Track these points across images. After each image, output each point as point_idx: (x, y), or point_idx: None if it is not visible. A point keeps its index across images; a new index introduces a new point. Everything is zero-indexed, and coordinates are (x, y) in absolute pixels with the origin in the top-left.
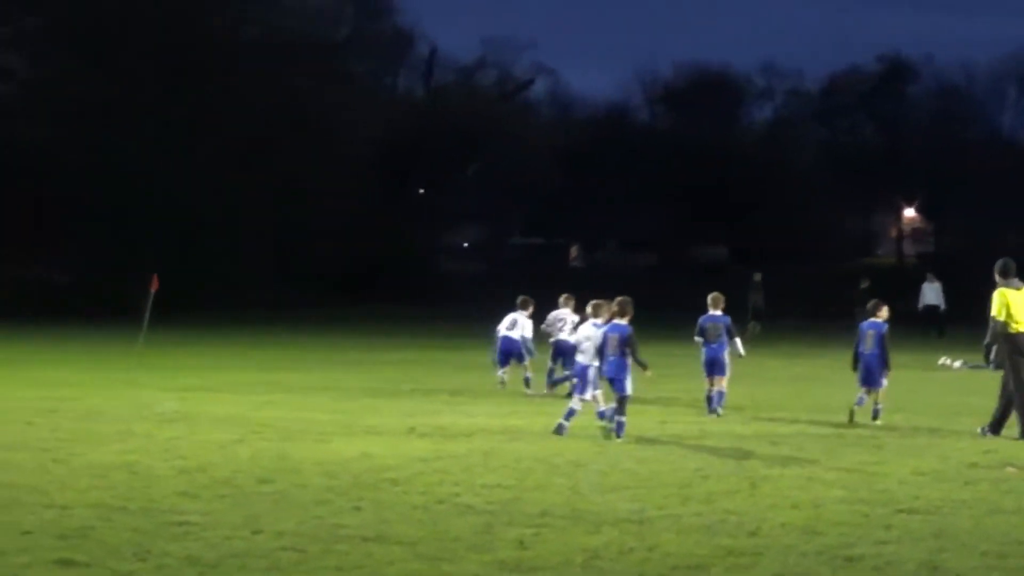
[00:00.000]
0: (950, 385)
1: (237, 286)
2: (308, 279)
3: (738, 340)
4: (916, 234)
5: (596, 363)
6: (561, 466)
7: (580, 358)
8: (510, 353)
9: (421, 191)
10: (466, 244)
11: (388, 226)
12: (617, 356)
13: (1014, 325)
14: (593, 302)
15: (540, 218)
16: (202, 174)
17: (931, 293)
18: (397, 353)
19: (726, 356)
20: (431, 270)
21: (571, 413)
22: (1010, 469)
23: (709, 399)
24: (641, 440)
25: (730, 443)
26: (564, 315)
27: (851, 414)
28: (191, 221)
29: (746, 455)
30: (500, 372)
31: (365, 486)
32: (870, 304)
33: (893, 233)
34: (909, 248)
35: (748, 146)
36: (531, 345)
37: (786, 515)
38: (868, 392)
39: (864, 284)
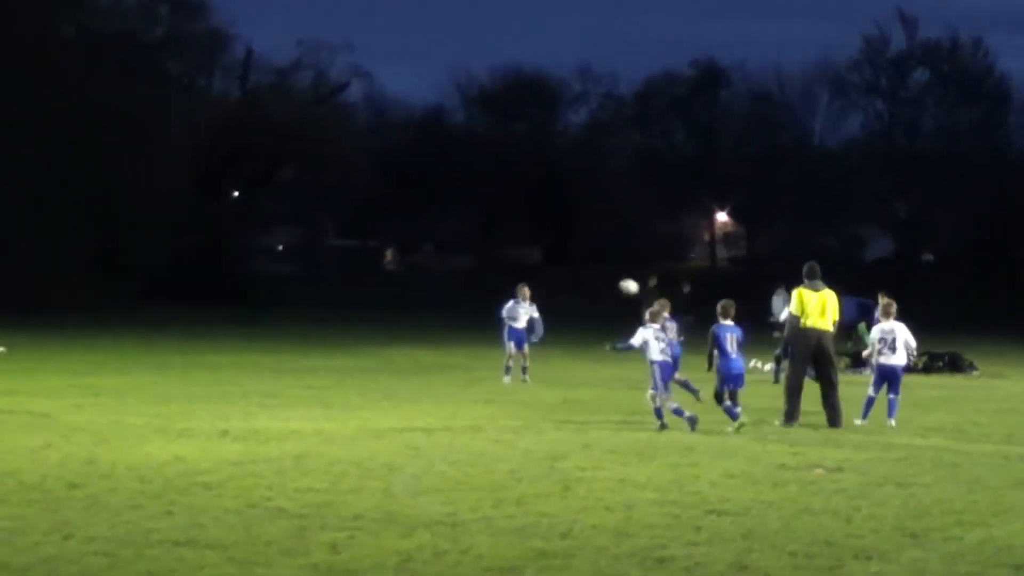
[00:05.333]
0: (761, 387)
1: (51, 288)
2: (124, 281)
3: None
4: (729, 238)
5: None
6: (374, 469)
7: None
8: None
9: (236, 193)
10: (281, 247)
11: (204, 228)
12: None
13: (804, 320)
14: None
15: (356, 220)
16: (14, 175)
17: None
18: (212, 356)
19: None
20: (246, 272)
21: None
22: (818, 471)
23: None
24: (455, 443)
25: (544, 446)
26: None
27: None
28: (5, 223)
29: (559, 457)
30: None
31: (177, 490)
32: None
33: (706, 237)
34: (722, 251)
35: (563, 149)
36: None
37: (598, 517)
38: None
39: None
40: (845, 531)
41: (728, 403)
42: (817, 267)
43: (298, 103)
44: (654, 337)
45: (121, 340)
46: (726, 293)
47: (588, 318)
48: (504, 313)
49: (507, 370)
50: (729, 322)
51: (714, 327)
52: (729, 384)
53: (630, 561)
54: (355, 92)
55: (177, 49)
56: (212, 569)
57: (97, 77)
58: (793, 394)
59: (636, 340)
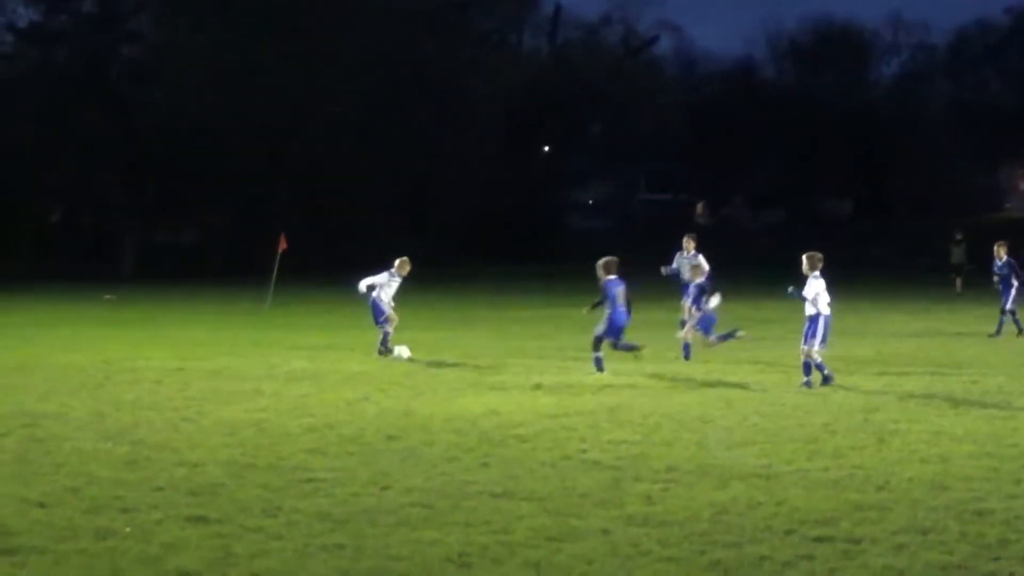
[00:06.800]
0: None
1: (366, 245)
2: (437, 237)
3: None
4: None
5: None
6: (687, 422)
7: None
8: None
9: (547, 148)
10: (591, 201)
11: (516, 184)
12: None
13: None
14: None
15: (666, 174)
16: (331, 135)
17: None
18: (524, 311)
19: None
20: (558, 227)
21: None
22: None
23: None
24: (768, 396)
25: (857, 398)
26: None
27: None
28: (320, 181)
29: (873, 410)
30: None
31: (492, 442)
32: None
33: (1023, 187)
34: None
35: (874, 101)
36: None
37: (914, 469)
38: None
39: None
40: None
41: (600, 353)
42: None
43: (607, 58)
44: (823, 289)
45: (433, 296)
46: None
47: (899, 271)
48: (674, 265)
49: (681, 324)
50: (614, 277)
51: (604, 282)
52: (611, 335)
53: (947, 513)
54: (664, 46)
55: (488, 6)
56: (528, 520)
57: (411, 38)
58: None
59: (810, 292)
